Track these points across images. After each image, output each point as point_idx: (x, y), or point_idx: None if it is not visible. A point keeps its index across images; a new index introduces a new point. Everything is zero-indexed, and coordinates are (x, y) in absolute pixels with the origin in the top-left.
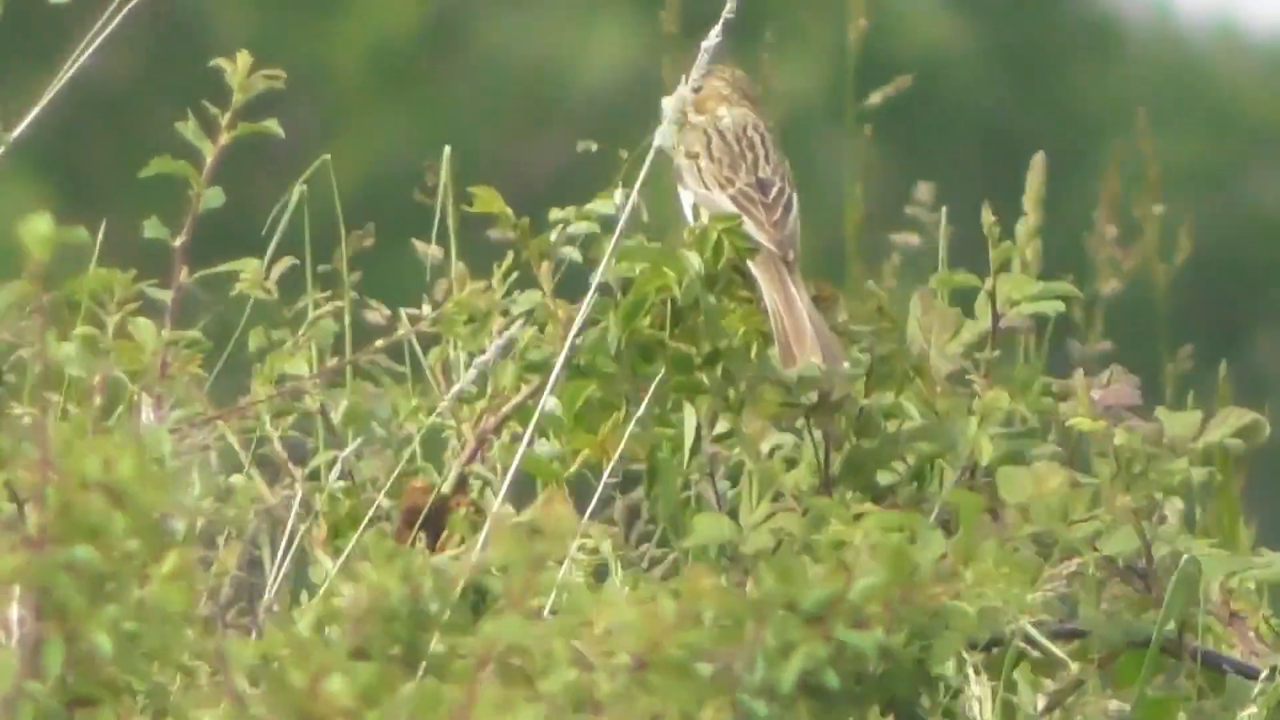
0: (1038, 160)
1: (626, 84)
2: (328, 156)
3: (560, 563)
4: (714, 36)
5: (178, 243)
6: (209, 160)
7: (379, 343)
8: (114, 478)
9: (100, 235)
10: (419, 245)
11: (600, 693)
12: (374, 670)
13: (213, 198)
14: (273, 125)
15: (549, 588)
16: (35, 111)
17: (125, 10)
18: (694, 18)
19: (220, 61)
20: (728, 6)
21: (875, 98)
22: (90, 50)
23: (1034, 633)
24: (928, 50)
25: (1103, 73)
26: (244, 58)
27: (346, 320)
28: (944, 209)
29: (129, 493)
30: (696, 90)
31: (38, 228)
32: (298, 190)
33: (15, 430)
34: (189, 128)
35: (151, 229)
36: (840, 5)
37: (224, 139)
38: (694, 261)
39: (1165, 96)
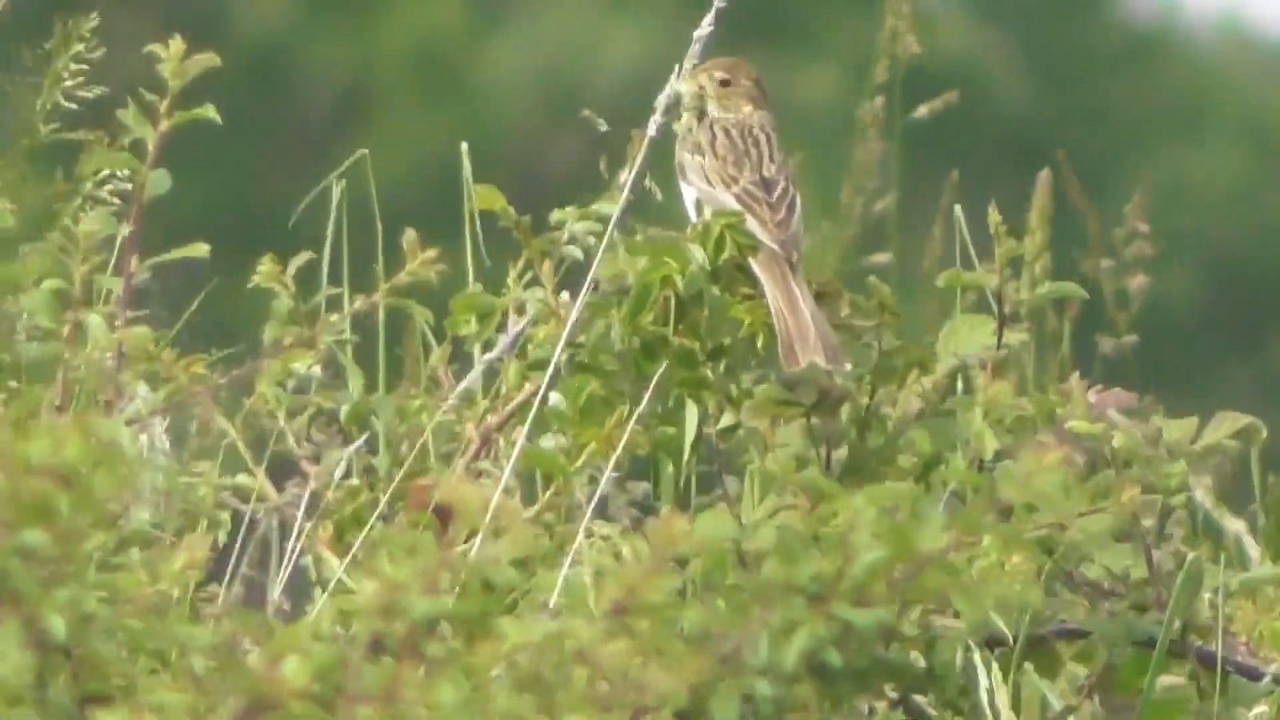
0: (1043, 178)
1: (643, 83)
2: (365, 151)
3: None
4: (706, 25)
5: (126, 232)
6: (151, 147)
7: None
8: (61, 461)
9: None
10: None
11: (579, 640)
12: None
13: (158, 182)
14: (208, 110)
15: (550, 584)
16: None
17: None
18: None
19: (154, 48)
20: None
21: (922, 111)
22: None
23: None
24: (960, 59)
25: (1136, 82)
26: (176, 44)
27: (381, 317)
28: (949, 206)
29: (77, 476)
30: (725, 84)
31: None
32: (338, 187)
33: None
34: (130, 114)
35: (98, 222)
36: (869, 12)
37: (163, 126)
38: (697, 254)
39: (1195, 108)
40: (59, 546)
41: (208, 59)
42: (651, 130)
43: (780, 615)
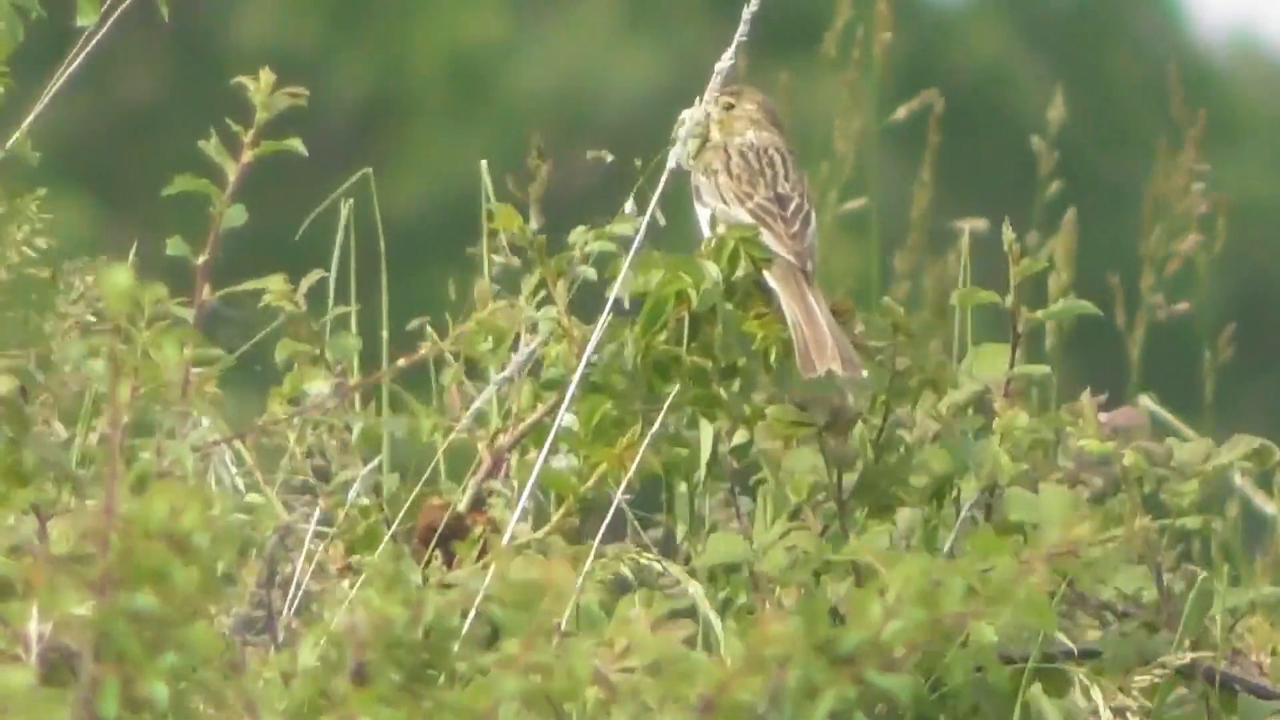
0: (1069, 219)
1: (654, 105)
2: (369, 170)
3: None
4: (727, 59)
5: (200, 260)
6: (232, 178)
7: (400, 362)
8: (180, 527)
9: (132, 254)
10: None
11: None
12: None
13: (235, 215)
14: (296, 144)
15: (561, 613)
16: (39, 107)
17: (120, 9)
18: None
19: (243, 79)
20: (739, 30)
21: (901, 113)
22: (90, 47)
23: (1068, 643)
24: (982, 65)
25: (1161, 92)
26: (266, 75)
27: (385, 336)
28: (967, 228)
29: (194, 543)
30: (729, 108)
31: (117, 280)
32: (346, 208)
33: (42, 447)
34: (212, 145)
35: (174, 247)
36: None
37: (246, 157)
38: (712, 270)
39: (1225, 119)
40: (169, 611)
41: (297, 93)
42: (672, 163)
43: (803, 677)
